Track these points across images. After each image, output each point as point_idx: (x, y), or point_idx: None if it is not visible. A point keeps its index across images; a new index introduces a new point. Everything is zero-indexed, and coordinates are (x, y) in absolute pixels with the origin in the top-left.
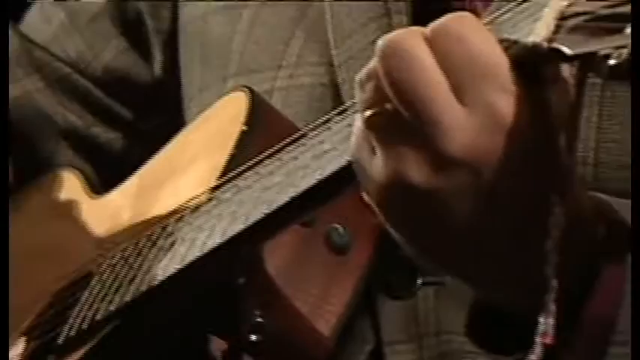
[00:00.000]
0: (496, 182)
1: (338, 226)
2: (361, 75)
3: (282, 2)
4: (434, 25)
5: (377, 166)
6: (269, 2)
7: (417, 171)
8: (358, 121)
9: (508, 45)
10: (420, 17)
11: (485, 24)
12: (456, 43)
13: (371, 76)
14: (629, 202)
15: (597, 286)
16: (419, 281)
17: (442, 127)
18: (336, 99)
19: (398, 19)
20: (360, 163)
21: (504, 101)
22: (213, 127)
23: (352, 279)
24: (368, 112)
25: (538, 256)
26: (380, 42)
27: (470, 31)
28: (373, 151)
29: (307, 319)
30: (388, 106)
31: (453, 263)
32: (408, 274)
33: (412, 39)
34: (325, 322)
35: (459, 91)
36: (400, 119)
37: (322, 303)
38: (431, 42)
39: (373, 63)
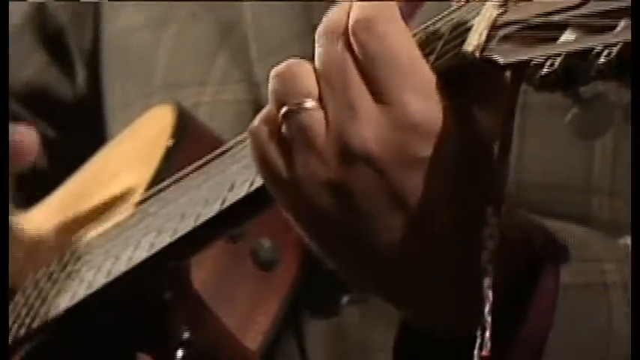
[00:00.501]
0: (409, 185)
1: (265, 241)
2: (281, 67)
3: (208, 20)
4: (357, 17)
5: (284, 166)
6: (195, 19)
7: (324, 166)
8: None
9: (440, 53)
10: None
11: (415, 34)
12: (377, 41)
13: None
14: (557, 223)
15: (532, 302)
16: (344, 299)
17: (353, 116)
18: None
19: None
20: (268, 167)
21: (420, 104)
22: (138, 142)
23: (279, 295)
24: (285, 108)
25: (471, 268)
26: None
27: (392, 30)
28: (281, 152)
29: (234, 336)
30: (308, 103)
31: (372, 274)
32: (333, 291)
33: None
34: (252, 338)
35: (375, 88)
36: (313, 112)
37: (249, 319)
38: (353, 35)
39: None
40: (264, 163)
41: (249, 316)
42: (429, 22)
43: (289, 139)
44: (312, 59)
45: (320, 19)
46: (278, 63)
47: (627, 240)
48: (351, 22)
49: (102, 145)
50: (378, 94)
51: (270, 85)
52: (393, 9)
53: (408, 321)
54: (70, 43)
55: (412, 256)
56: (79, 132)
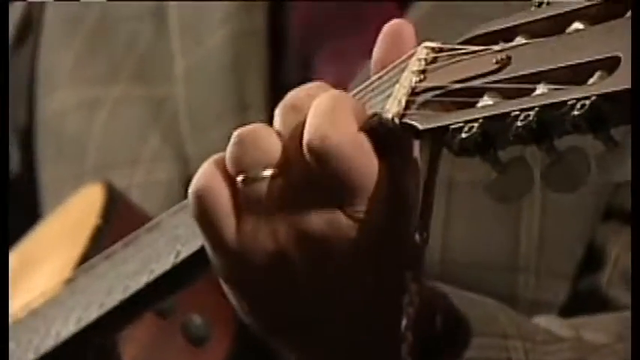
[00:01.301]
0: (350, 260)
1: (195, 317)
2: (247, 130)
3: (139, 99)
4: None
5: (232, 232)
6: (127, 99)
7: (273, 237)
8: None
9: (369, 116)
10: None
11: None
12: (335, 161)
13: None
14: (470, 295)
15: None
16: None
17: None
18: None
19: (254, 112)
20: (213, 230)
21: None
22: (68, 222)
23: None
24: (242, 176)
25: (392, 336)
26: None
27: (348, 145)
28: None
29: None
30: (266, 172)
31: (303, 343)
32: None
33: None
34: None
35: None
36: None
37: None
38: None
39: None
40: (210, 224)
41: None
42: (353, 93)
43: (242, 205)
44: None
45: (254, 97)
46: (211, 140)
47: (542, 320)
48: (306, 135)
49: (34, 225)
50: (332, 195)
51: (231, 148)
52: (347, 120)
53: None
54: None
55: (339, 321)
56: (13, 212)
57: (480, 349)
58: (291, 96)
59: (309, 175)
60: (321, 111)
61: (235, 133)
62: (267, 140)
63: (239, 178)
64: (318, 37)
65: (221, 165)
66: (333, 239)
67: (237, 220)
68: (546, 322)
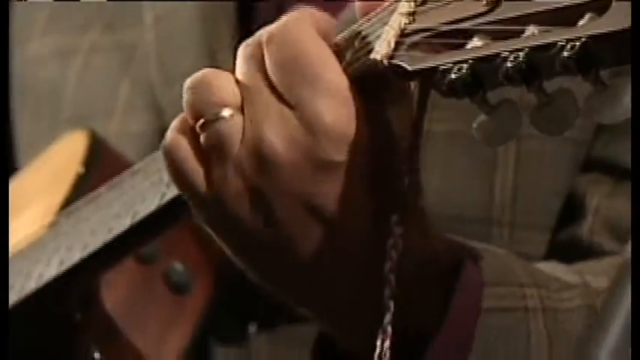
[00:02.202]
0: (319, 189)
1: (178, 264)
2: (196, 77)
3: (111, 48)
4: (270, 28)
5: (202, 179)
6: (99, 49)
7: (240, 175)
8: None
9: (350, 61)
10: None
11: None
12: (286, 48)
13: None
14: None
15: (443, 327)
16: (252, 327)
17: (263, 122)
18: None
19: (224, 60)
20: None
21: (331, 108)
22: (50, 169)
23: (190, 320)
24: (202, 120)
25: (376, 278)
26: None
27: (302, 37)
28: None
29: (145, 358)
30: (225, 112)
31: (288, 281)
32: (241, 319)
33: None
34: None
35: (286, 94)
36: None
37: (161, 342)
38: (265, 43)
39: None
40: (181, 177)
41: (161, 338)
42: (342, 36)
43: (207, 150)
44: None
45: (224, 45)
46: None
47: (546, 266)
48: (264, 33)
49: (10, 175)
50: (289, 99)
51: (186, 96)
52: (305, 17)
53: (320, 341)
54: None
55: (323, 261)
56: None
57: (498, 299)
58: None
59: (271, 103)
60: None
61: (186, 82)
62: (218, 81)
63: (198, 124)
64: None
65: (184, 119)
66: (288, 151)
67: (206, 169)
68: (550, 268)
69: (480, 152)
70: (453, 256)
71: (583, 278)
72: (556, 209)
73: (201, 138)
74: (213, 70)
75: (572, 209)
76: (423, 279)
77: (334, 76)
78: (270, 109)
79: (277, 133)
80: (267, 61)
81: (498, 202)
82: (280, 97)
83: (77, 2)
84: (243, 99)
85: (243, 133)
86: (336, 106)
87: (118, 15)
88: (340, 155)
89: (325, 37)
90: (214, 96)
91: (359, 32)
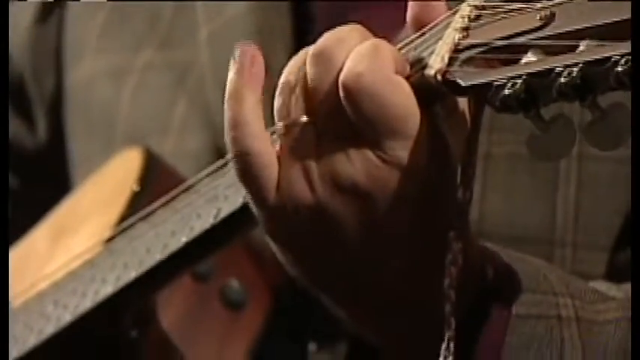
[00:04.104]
0: (390, 215)
1: (233, 282)
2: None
3: (165, 67)
4: (348, 74)
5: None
6: (153, 67)
7: (310, 188)
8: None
9: (412, 74)
10: None
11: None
12: (368, 99)
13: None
14: (516, 253)
15: (484, 331)
16: (312, 346)
17: (344, 147)
18: None
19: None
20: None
21: (408, 150)
22: (105, 188)
23: (246, 336)
24: (281, 123)
25: (434, 294)
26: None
27: (380, 89)
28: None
29: None
30: (303, 118)
31: (344, 298)
32: (300, 338)
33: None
34: None
35: (364, 134)
36: (311, 132)
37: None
38: (343, 88)
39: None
40: (250, 180)
41: (217, 355)
42: (396, 47)
43: (283, 154)
44: (269, 99)
45: (280, 62)
46: None
47: (591, 283)
48: (342, 76)
49: (65, 195)
50: (367, 138)
51: (276, 98)
52: (384, 62)
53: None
54: (31, 92)
55: (383, 281)
56: (42, 182)
57: (531, 306)
58: (321, 42)
59: (344, 120)
60: (359, 54)
61: (279, 85)
62: (299, 91)
63: (279, 125)
64: (346, 7)
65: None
66: (368, 185)
67: (278, 174)
68: (596, 285)
69: (541, 173)
70: (487, 262)
71: (627, 294)
72: (616, 229)
73: (280, 141)
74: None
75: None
76: (468, 286)
77: (416, 122)
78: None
79: (357, 163)
80: (348, 110)
81: (560, 223)
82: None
83: (128, 21)
84: (320, 112)
85: (319, 145)
86: (411, 145)
87: (171, 32)
88: (410, 187)
89: (400, 72)
90: (299, 100)
91: (414, 47)
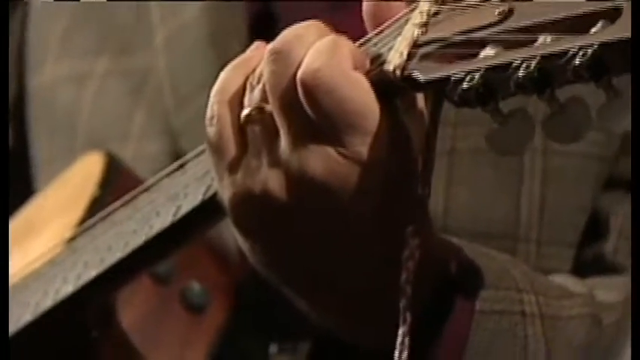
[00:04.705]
0: (351, 209)
1: (195, 283)
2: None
3: (124, 73)
4: (305, 70)
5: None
6: (112, 73)
7: (277, 184)
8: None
9: (371, 69)
10: None
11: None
12: (326, 94)
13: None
14: (482, 248)
15: (446, 326)
16: (273, 348)
17: (304, 142)
18: None
19: None
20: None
21: (368, 145)
22: (67, 190)
23: (206, 339)
24: (247, 110)
25: (392, 288)
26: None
27: (339, 83)
28: (234, 159)
29: None
30: (268, 107)
31: (306, 289)
32: (262, 340)
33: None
34: None
35: (323, 129)
36: (272, 124)
37: None
38: (301, 85)
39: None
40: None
41: (177, 357)
42: (357, 43)
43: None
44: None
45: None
46: (195, 111)
47: (556, 277)
48: (299, 73)
49: (29, 198)
50: (327, 134)
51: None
52: (342, 58)
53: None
54: None
55: (343, 273)
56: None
57: (494, 301)
58: (279, 39)
59: (303, 117)
60: (317, 50)
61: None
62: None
63: (242, 113)
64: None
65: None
66: (327, 180)
67: (241, 153)
68: (560, 279)
69: (506, 168)
70: (450, 257)
71: (590, 290)
72: (581, 225)
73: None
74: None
75: (596, 227)
76: (427, 281)
77: (375, 117)
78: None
79: (317, 158)
80: (305, 105)
81: (525, 218)
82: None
83: (89, 25)
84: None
85: (281, 140)
86: (372, 140)
87: (129, 38)
88: (370, 180)
89: (359, 68)
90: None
91: (374, 44)
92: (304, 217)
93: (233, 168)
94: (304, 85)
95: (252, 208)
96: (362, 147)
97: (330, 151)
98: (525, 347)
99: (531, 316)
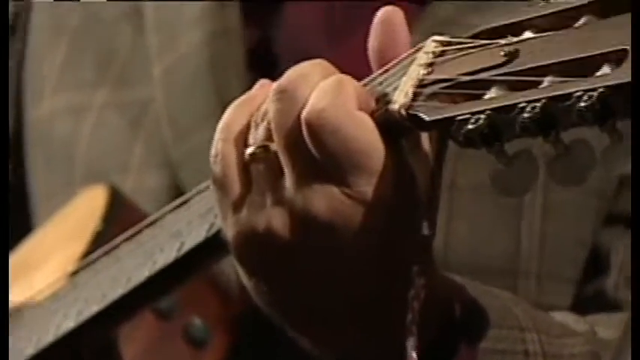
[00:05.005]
0: (355, 248)
1: (197, 319)
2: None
3: (122, 106)
4: (310, 110)
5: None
6: (110, 105)
7: (281, 223)
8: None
9: (376, 109)
10: None
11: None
12: (331, 134)
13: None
14: (483, 287)
15: None
16: None
17: (309, 182)
18: None
19: None
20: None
21: (373, 185)
22: (69, 224)
23: None
24: (252, 148)
25: (396, 327)
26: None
27: (345, 118)
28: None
29: None
30: (273, 145)
31: (309, 326)
32: None
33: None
34: None
35: (328, 170)
36: (276, 162)
37: None
38: (305, 125)
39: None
40: (221, 189)
41: None
42: (361, 83)
43: (255, 177)
44: None
45: (234, 96)
46: (194, 143)
47: (557, 315)
48: (304, 113)
49: (28, 232)
50: (332, 174)
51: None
52: (347, 98)
53: None
54: None
55: (347, 312)
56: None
57: (496, 341)
58: (285, 79)
59: (308, 156)
60: (322, 90)
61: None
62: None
63: (247, 152)
64: (319, 37)
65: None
66: (332, 221)
67: (245, 191)
68: (561, 316)
69: (506, 203)
70: (454, 296)
71: (592, 327)
72: (582, 261)
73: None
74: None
75: (596, 262)
76: (432, 321)
77: (380, 157)
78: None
79: (321, 199)
80: (310, 144)
81: (525, 253)
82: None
83: (87, 57)
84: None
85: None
86: (377, 180)
87: (127, 70)
88: (375, 221)
89: (364, 108)
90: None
91: (379, 83)
92: (308, 255)
93: (237, 206)
94: (309, 125)
95: (255, 246)
96: (367, 187)
97: (335, 190)
98: None
99: (534, 355)
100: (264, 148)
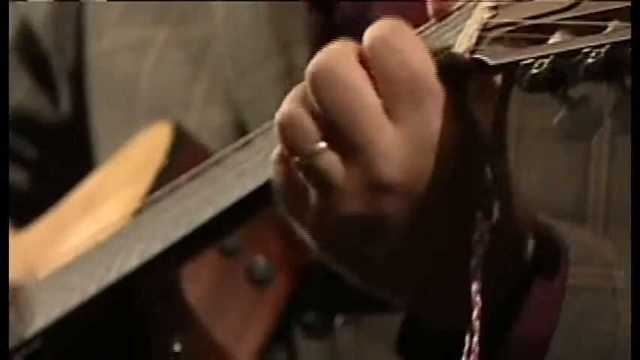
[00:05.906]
0: (429, 202)
1: (260, 258)
2: (282, 117)
3: (183, 43)
4: (371, 35)
5: (309, 199)
6: (172, 42)
7: (349, 202)
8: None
9: (434, 53)
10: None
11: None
12: (393, 55)
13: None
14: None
15: (526, 306)
16: (338, 319)
17: (378, 152)
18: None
19: (297, 50)
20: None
21: (437, 118)
22: (134, 161)
23: (271, 313)
24: (297, 159)
25: (464, 274)
26: (309, 69)
27: (409, 45)
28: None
29: (226, 351)
30: (317, 146)
31: (387, 284)
32: (328, 311)
33: (344, 61)
34: (243, 354)
35: (392, 105)
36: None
37: (241, 336)
38: (368, 54)
39: (302, 95)
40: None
41: (241, 331)
42: (423, 27)
43: (310, 186)
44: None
45: (296, 34)
46: (257, 82)
47: None
48: (367, 40)
49: (89, 168)
50: (395, 111)
51: (278, 137)
52: (404, 25)
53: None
54: (54, 66)
55: (425, 264)
56: (65, 155)
57: (584, 278)
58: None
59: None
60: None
61: (276, 122)
62: (302, 118)
63: (295, 161)
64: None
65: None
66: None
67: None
68: None
69: (574, 148)
70: (539, 234)
71: None
72: None
73: (301, 175)
74: (292, 106)
75: None
76: (509, 261)
77: (437, 88)
78: (379, 134)
79: (389, 161)
80: (376, 69)
81: (592, 198)
82: (384, 109)
83: None
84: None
85: (346, 162)
86: (440, 115)
87: (188, 7)
88: (443, 169)
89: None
90: (302, 134)
91: (441, 26)
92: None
93: (306, 202)
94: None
95: (339, 234)
96: (431, 129)
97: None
98: (616, 323)
99: (622, 292)
100: (311, 152)
